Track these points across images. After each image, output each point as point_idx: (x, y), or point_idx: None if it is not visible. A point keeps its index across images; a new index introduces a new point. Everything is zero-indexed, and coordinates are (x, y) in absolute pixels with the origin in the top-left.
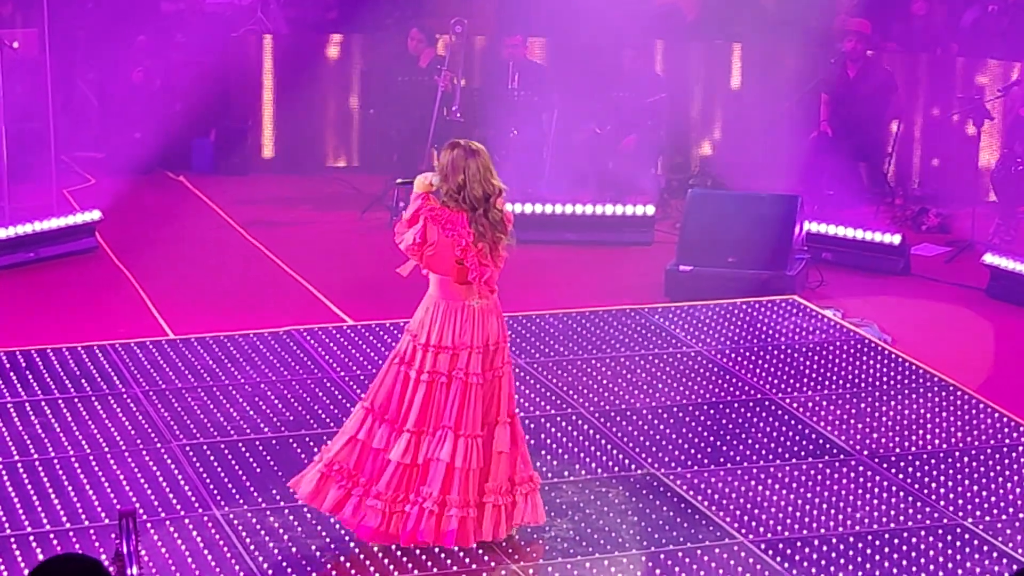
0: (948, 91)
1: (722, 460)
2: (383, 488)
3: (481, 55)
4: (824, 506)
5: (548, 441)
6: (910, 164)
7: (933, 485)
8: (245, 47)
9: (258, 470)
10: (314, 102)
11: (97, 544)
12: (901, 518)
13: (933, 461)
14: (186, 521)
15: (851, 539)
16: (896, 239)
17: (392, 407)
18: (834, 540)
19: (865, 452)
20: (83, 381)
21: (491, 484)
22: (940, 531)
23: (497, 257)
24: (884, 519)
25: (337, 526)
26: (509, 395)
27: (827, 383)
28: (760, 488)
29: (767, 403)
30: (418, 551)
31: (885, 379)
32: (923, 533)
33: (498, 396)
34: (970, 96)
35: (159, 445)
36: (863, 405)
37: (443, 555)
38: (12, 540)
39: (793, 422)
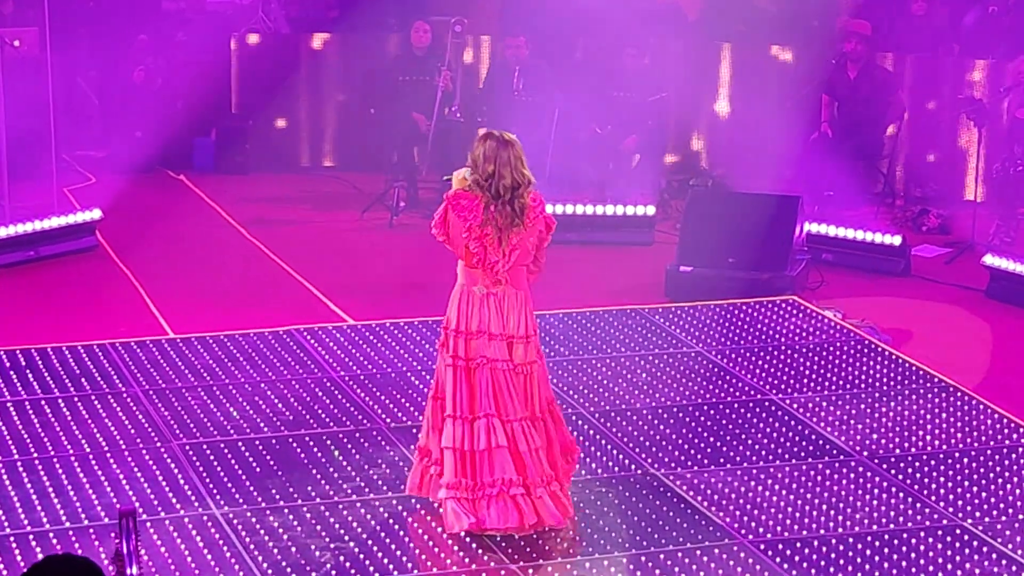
0: (949, 92)
1: (722, 460)
2: (451, 479)
3: (483, 55)
4: (824, 507)
5: None
6: (910, 165)
7: (933, 486)
8: (246, 46)
9: (258, 470)
10: (314, 101)
11: (97, 543)
12: (900, 519)
13: (933, 462)
14: (186, 520)
15: (850, 540)
16: (896, 240)
17: (437, 391)
18: (833, 541)
19: (865, 453)
20: (83, 380)
21: (531, 477)
22: (939, 532)
23: (508, 246)
24: (883, 520)
25: (337, 526)
26: (542, 389)
27: (827, 384)
28: (760, 488)
29: (767, 403)
30: (418, 551)
31: (885, 380)
32: (922, 534)
33: (533, 390)
34: (970, 97)
35: (159, 444)
36: (863, 406)
37: (442, 555)
38: (12, 539)
39: (793, 423)
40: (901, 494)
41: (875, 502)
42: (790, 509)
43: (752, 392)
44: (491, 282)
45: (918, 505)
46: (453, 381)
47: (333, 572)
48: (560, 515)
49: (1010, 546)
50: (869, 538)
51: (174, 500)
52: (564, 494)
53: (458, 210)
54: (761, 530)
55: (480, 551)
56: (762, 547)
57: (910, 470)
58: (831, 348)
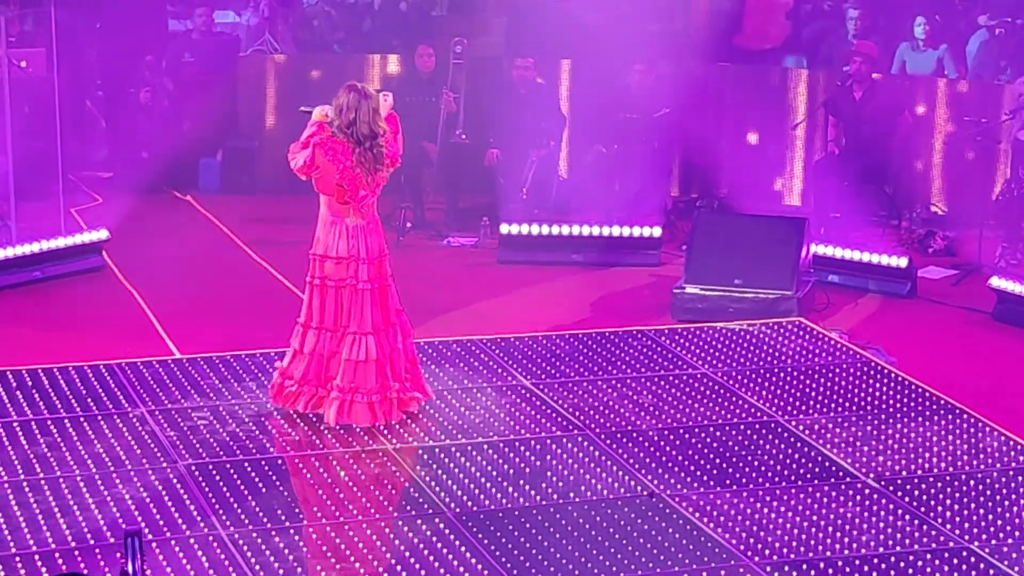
0: (955, 114)
1: (728, 482)
2: (300, 376)
3: (489, 76)
4: (830, 529)
5: (554, 462)
6: (916, 186)
7: (939, 508)
8: (253, 67)
9: (264, 490)
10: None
11: (102, 564)
12: (907, 541)
13: (939, 484)
14: (191, 541)
15: (857, 562)
16: (903, 262)
17: (304, 311)
18: (840, 563)
19: (871, 475)
20: (89, 400)
21: (391, 377)
22: (946, 554)
23: (373, 184)
24: (890, 542)
25: (342, 547)
26: (394, 302)
27: (833, 406)
28: (766, 511)
29: (773, 425)
30: (423, 572)
31: (891, 402)
32: (929, 556)
33: (388, 301)
34: (976, 119)
35: (165, 465)
36: (869, 428)
37: (448, 575)
38: (17, 559)
39: (799, 444)
40: (907, 516)
41: (881, 524)
42: (796, 531)
43: (758, 414)
44: (360, 215)
45: (924, 527)
46: (320, 298)
47: None
48: (385, 418)
49: (1016, 568)
50: (876, 560)
51: (180, 520)
52: (388, 401)
53: (329, 155)
54: (767, 552)
55: (487, 573)
56: (768, 569)
57: (916, 492)
58: (837, 370)
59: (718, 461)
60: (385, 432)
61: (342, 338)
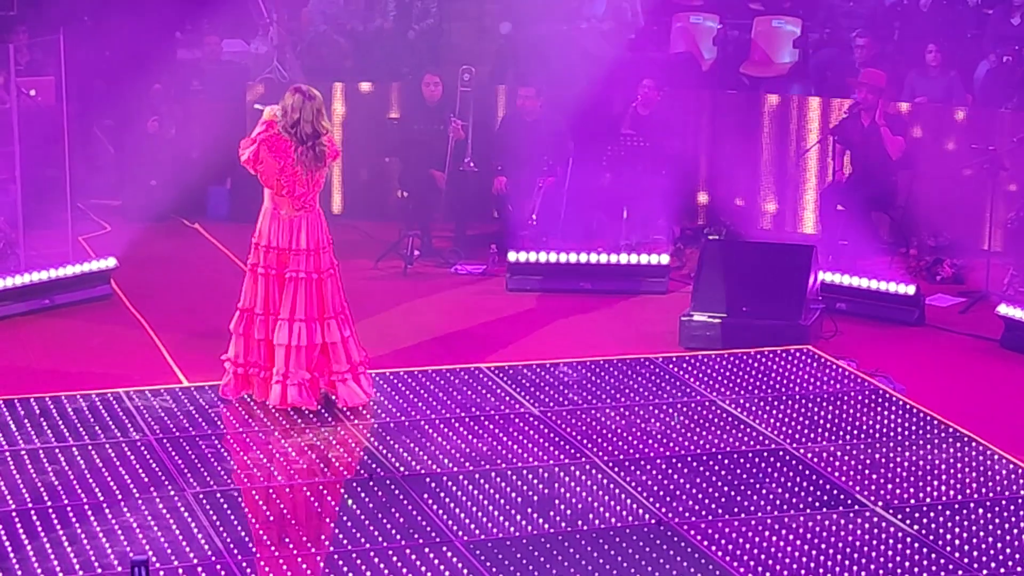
0: (963, 142)
1: (736, 510)
2: (239, 357)
3: (495, 105)
4: (838, 556)
5: (561, 490)
6: (924, 214)
7: (948, 536)
8: (261, 96)
9: (271, 518)
10: None
11: None
12: (915, 569)
13: (948, 512)
14: (199, 569)
15: None
16: (911, 289)
17: (248, 298)
18: None
19: (879, 503)
20: (97, 428)
21: (336, 366)
22: None
23: (313, 182)
24: (898, 570)
25: (350, 575)
26: (336, 294)
27: (841, 433)
28: (774, 538)
29: (781, 453)
30: None
31: (899, 429)
32: None
33: (330, 292)
34: (984, 147)
35: (172, 493)
36: (877, 456)
37: None
38: None
39: (807, 472)
40: (916, 544)
41: (890, 552)
42: (804, 559)
43: (766, 441)
44: (297, 208)
45: (933, 555)
46: (263, 286)
47: None
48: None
49: None
50: None
51: (187, 549)
52: (343, 388)
53: (272, 151)
54: None
55: None
56: None
57: (925, 520)
58: (846, 398)
59: (726, 489)
60: (392, 459)
61: (275, 324)
